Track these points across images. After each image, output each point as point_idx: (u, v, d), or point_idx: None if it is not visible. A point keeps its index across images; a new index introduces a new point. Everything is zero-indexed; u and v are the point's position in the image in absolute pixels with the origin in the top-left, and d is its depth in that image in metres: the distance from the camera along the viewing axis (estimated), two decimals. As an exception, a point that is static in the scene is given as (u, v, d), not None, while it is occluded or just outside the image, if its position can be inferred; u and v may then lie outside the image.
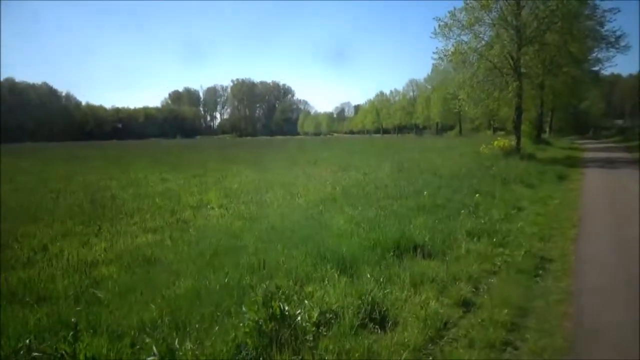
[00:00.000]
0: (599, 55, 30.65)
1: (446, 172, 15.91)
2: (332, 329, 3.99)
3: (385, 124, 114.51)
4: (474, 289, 5.19)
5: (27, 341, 3.25)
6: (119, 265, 6.00)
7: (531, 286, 5.37)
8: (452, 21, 24.94)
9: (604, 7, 25.75)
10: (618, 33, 26.29)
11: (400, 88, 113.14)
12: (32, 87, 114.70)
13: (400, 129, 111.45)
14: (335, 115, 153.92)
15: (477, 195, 10.61)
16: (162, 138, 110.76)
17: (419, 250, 6.29)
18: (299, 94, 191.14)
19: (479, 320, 4.33)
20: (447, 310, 4.55)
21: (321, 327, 4.03)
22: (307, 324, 3.97)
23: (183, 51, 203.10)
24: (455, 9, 25.09)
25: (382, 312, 4.35)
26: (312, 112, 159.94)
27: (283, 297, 4.46)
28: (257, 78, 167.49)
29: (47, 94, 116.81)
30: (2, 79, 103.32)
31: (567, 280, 5.57)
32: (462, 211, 8.94)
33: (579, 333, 4.17)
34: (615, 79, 78.18)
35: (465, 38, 25.08)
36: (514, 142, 25.17)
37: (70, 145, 66.87)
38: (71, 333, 3.36)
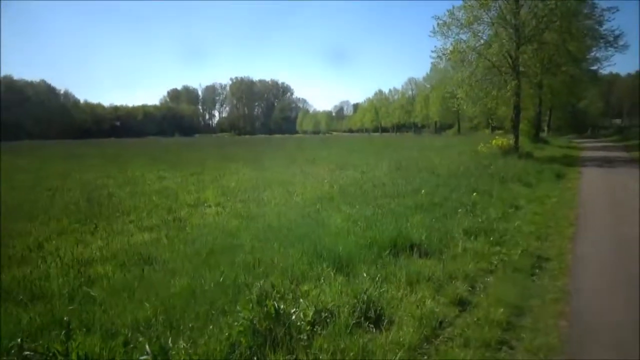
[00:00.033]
0: (598, 55, 30.59)
1: (444, 170, 15.91)
2: (327, 328, 3.97)
3: (384, 122, 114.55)
4: (470, 288, 5.17)
5: (19, 340, 3.21)
6: (114, 264, 5.97)
7: (527, 285, 5.35)
8: (450, 20, 24.91)
9: (602, 6, 25.76)
10: (617, 32, 26.22)
11: (399, 87, 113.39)
12: (30, 84, 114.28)
13: (399, 128, 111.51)
14: (334, 114, 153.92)
15: (474, 194, 10.60)
16: (160, 136, 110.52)
17: (415, 249, 6.27)
18: (298, 93, 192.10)
19: (475, 319, 4.32)
20: (442, 309, 4.53)
21: (316, 326, 4.00)
22: (302, 322, 3.95)
23: (182, 49, 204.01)
24: (454, 7, 25.09)
25: (378, 311, 4.32)
26: (311, 110, 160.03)
27: (278, 295, 4.46)
28: (256, 76, 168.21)
29: (45, 91, 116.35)
30: (0, 77, 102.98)
31: (564, 280, 5.56)
32: (460, 210, 8.93)
33: (575, 332, 4.16)
34: (614, 78, 78.17)
35: (464, 37, 25.07)
36: (512, 141, 25.17)
37: (68, 143, 66.79)
38: (63, 332, 3.33)
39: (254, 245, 6.53)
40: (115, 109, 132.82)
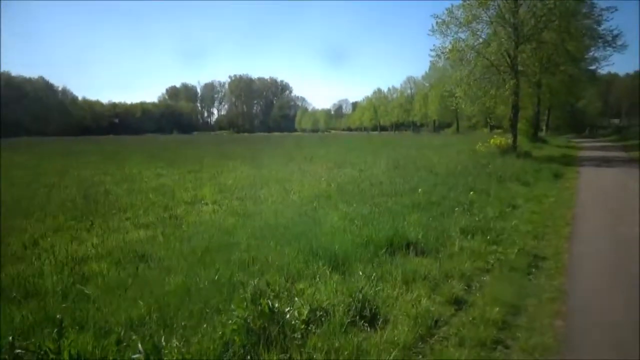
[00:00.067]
0: (596, 54, 30.58)
1: (442, 169, 15.90)
2: (321, 327, 3.95)
3: (383, 121, 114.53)
4: (466, 287, 5.16)
5: (10, 338, 3.19)
6: (109, 261, 5.94)
7: (524, 284, 5.34)
8: (449, 18, 24.87)
9: (601, 6, 25.75)
10: (615, 32, 26.24)
11: (398, 85, 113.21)
12: (29, 81, 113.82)
13: (398, 127, 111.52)
14: (332, 112, 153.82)
15: (471, 192, 10.59)
16: (159, 134, 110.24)
17: (411, 248, 6.25)
18: (297, 91, 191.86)
19: (470, 319, 4.30)
20: (438, 308, 4.51)
21: (311, 325, 3.98)
22: (297, 321, 3.93)
23: (181, 47, 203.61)
24: (453, 6, 25.06)
25: (373, 310, 4.30)
26: (310, 108, 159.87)
27: (273, 294, 4.44)
28: (254, 74, 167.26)
29: (44, 88, 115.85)
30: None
31: (560, 279, 5.54)
32: (457, 209, 8.92)
33: (570, 332, 4.14)
34: (612, 78, 78.24)
35: (462, 35, 25.06)
36: (510, 140, 25.16)
37: (67, 140, 66.58)
38: (55, 330, 3.30)
39: (250, 243, 6.50)
40: (114, 106, 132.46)
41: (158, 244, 6.75)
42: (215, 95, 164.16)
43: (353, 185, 12.24)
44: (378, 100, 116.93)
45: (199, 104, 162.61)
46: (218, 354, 3.45)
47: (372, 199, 10.08)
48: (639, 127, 50.36)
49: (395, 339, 3.82)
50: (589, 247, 7.03)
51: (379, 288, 4.83)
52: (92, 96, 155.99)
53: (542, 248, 6.90)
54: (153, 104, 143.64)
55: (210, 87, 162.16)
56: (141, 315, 4.12)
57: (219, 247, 6.39)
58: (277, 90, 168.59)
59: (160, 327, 3.87)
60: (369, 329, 4.05)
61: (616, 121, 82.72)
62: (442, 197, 10.26)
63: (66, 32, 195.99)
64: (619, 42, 26.50)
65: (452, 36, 25.03)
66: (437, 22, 25.17)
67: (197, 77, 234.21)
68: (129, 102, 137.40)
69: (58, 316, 3.49)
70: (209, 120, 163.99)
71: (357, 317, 4.17)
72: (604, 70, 38.17)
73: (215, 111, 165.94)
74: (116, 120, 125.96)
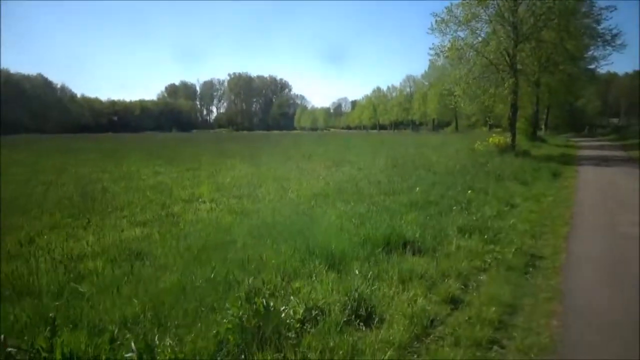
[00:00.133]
0: (595, 53, 30.59)
1: (441, 168, 15.88)
2: (317, 326, 3.93)
3: (382, 119, 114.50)
4: (462, 286, 5.14)
5: (2, 336, 3.16)
6: (105, 259, 5.91)
7: (521, 284, 5.32)
8: (449, 17, 24.87)
9: (600, 5, 25.77)
10: (614, 31, 26.27)
11: (397, 84, 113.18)
12: (27, 78, 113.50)
13: (397, 125, 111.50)
14: (332, 111, 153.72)
15: (470, 191, 10.57)
16: (158, 131, 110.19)
17: (408, 247, 6.23)
18: (296, 89, 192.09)
19: (466, 318, 4.29)
20: (434, 308, 4.50)
21: (306, 324, 3.97)
22: (292, 320, 3.91)
23: (180, 45, 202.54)
24: (452, 4, 25.07)
25: (369, 309, 4.28)
26: (309, 107, 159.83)
27: (268, 293, 4.42)
28: (254, 72, 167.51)
29: (42, 85, 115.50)
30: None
31: (557, 278, 5.53)
32: (455, 207, 8.90)
33: (567, 332, 4.13)
34: (612, 77, 78.22)
35: (461, 34, 25.07)
36: (509, 139, 25.16)
37: (65, 138, 66.41)
38: (48, 328, 3.28)
39: (246, 242, 6.47)
40: (113, 103, 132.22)
41: (154, 242, 6.72)
42: (215, 93, 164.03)
43: (351, 184, 12.20)
44: (377, 99, 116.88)
45: (198, 102, 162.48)
46: (212, 353, 3.43)
47: (370, 197, 10.06)
48: (639, 126, 50.36)
49: (391, 338, 3.80)
50: (586, 246, 7.02)
51: (375, 287, 4.82)
52: (91, 94, 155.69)
53: (540, 247, 6.89)
54: (152, 101, 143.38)
55: (209, 85, 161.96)
56: (135, 313, 4.10)
57: (215, 245, 6.35)
58: (276, 88, 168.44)
59: (154, 325, 3.85)
60: (364, 328, 4.03)
61: (615, 120, 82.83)
62: (440, 195, 10.24)
63: (65, 30, 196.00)
64: (618, 42, 26.56)
65: (452, 35, 25.07)
66: (436, 21, 25.20)
67: (197, 75, 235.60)
68: (128, 99, 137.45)
69: (51, 314, 3.46)
70: (208, 118, 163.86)
71: (353, 317, 4.16)
72: (603, 69, 38.20)
73: (214, 109, 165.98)
74: (115, 118, 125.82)
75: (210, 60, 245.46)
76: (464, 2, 24.45)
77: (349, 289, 4.56)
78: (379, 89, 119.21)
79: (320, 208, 8.91)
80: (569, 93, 36.64)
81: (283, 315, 3.86)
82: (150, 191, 12.00)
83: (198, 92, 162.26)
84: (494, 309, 4.44)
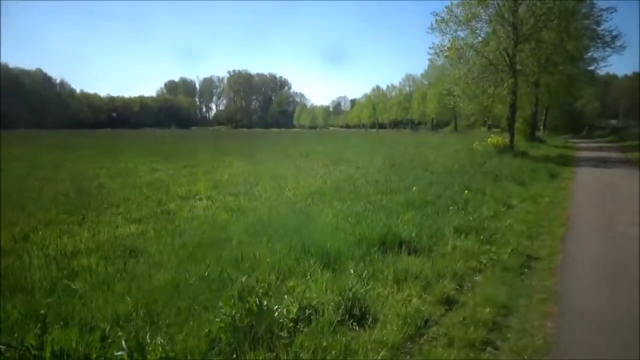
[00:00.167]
0: (595, 55, 30.64)
1: (438, 168, 15.87)
2: (310, 326, 3.90)
3: (381, 118, 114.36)
4: (457, 287, 5.13)
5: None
6: (99, 256, 5.88)
7: (516, 285, 5.31)
8: (449, 16, 24.82)
9: (601, 6, 25.77)
10: (614, 33, 26.29)
11: (397, 83, 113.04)
12: (26, 73, 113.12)
13: (396, 124, 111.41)
14: (331, 109, 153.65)
15: (466, 191, 10.55)
16: (156, 128, 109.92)
17: (404, 246, 6.21)
18: (296, 87, 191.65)
19: (461, 319, 4.27)
20: (428, 308, 4.48)
21: (299, 323, 3.94)
22: (285, 319, 3.89)
23: (180, 42, 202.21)
24: (452, 4, 25.00)
25: (363, 309, 4.26)
26: (309, 105, 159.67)
27: (261, 291, 4.39)
28: (253, 70, 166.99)
29: (41, 80, 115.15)
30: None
31: (552, 279, 5.52)
32: (452, 207, 8.88)
33: (561, 333, 4.11)
34: (611, 79, 78.35)
35: (461, 34, 25.02)
36: (507, 140, 25.16)
37: (64, 133, 66.28)
38: (38, 325, 3.25)
39: (242, 240, 6.44)
40: (112, 99, 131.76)
41: (149, 238, 6.68)
42: (214, 90, 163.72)
43: (348, 183, 12.19)
44: (377, 98, 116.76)
45: (197, 99, 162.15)
46: (203, 352, 3.41)
47: (367, 196, 10.03)
48: (638, 127, 50.37)
49: (384, 338, 3.79)
50: (582, 247, 7.02)
51: (369, 287, 4.79)
52: (90, 89, 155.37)
53: (536, 248, 6.88)
54: (151, 98, 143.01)
55: (209, 82, 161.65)
56: (128, 311, 4.07)
57: (210, 243, 6.32)
58: (276, 86, 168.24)
59: (146, 323, 3.82)
60: (357, 328, 4.02)
61: (614, 122, 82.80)
62: (438, 195, 10.22)
63: (65, 25, 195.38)
64: (618, 43, 26.62)
65: (451, 34, 25.03)
66: (436, 20, 25.16)
67: (196, 72, 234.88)
68: (127, 96, 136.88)
69: (42, 312, 3.44)
70: (207, 115, 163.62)
71: (347, 316, 4.14)
72: (602, 70, 38.26)
73: (213, 106, 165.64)
74: (114, 114, 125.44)
75: (210, 58, 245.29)
76: (464, 1, 24.41)
77: (344, 288, 4.54)
78: (378, 87, 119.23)
79: (317, 207, 8.89)
80: (568, 94, 36.64)
81: (276, 314, 3.84)
82: (147, 188, 11.97)
83: (197, 89, 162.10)
84: (488, 309, 4.42)
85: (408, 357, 3.67)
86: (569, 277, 5.62)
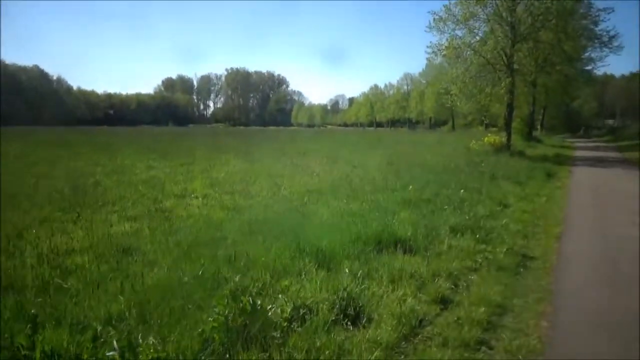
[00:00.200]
0: (592, 55, 30.63)
1: (435, 167, 15.86)
2: (304, 325, 3.88)
3: (379, 117, 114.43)
4: (453, 286, 5.11)
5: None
6: (92, 255, 5.83)
7: (511, 284, 5.30)
8: (447, 15, 24.84)
9: (598, 6, 25.78)
10: (612, 33, 26.29)
11: (395, 82, 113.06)
12: (23, 69, 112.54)
13: (394, 123, 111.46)
14: (329, 107, 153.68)
15: (462, 190, 10.54)
16: (154, 125, 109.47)
17: (400, 245, 6.18)
18: (294, 85, 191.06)
19: (455, 318, 4.25)
20: (423, 307, 4.46)
21: (293, 323, 3.92)
22: (279, 319, 3.86)
23: (178, 39, 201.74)
24: (450, 3, 25.02)
25: (357, 308, 4.24)
26: (306, 103, 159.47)
27: (255, 291, 4.36)
28: (251, 68, 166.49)
29: (38, 77, 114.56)
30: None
31: (548, 279, 5.52)
32: (448, 207, 8.87)
33: (556, 333, 4.10)
34: (608, 79, 78.45)
35: (459, 33, 25.05)
36: (504, 139, 25.19)
37: (61, 130, 65.90)
38: (29, 325, 3.21)
39: (237, 239, 6.40)
40: (109, 96, 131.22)
41: (144, 237, 6.64)
42: (212, 88, 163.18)
43: (345, 181, 12.16)
44: (374, 96, 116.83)
45: (195, 97, 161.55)
46: (196, 352, 3.38)
47: (364, 195, 10.00)
48: (638, 128, 50.51)
49: (378, 338, 3.76)
50: (578, 247, 7.02)
51: (364, 286, 4.77)
52: (87, 86, 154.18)
53: (532, 248, 6.88)
54: (149, 95, 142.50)
55: (206, 80, 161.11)
56: (120, 310, 4.03)
57: (205, 242, 6.29)
58: (273, 84, 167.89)
59: (139, 323, 3.79)
60: (352, 328, 3.99)
61: (611, 122, 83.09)
62: (434, 194, 10.21)
63: (62, 22, 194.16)
64: (615, 43, 26.59)
65: (449, 33, 25.07)
66: (434, 19, 25.19)
67: (194, 69, 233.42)
68: (124, 93, 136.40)
69: (33, 311, 3.40)
70: (204, 112, 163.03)
71: (341, 316, 4.11)
72: (599, 71, 38.20)
73: (211, 104, 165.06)
74: (111, 111, 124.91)
75: (207, 56, 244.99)
76: (462, 0, 24.43)
77: (338, 287, 4.52)
78: (376, 86, 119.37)
79: (313, 205, 8.86)
80: (565, 94, 36.68)
81: (270, 314, 3.81)
82: (143, 185, 11.91)
83: (195, 87, 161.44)
84: (483, 309, 4.41)
85: (402, 357, 3.65)
86: (565, 277, 5.62)
